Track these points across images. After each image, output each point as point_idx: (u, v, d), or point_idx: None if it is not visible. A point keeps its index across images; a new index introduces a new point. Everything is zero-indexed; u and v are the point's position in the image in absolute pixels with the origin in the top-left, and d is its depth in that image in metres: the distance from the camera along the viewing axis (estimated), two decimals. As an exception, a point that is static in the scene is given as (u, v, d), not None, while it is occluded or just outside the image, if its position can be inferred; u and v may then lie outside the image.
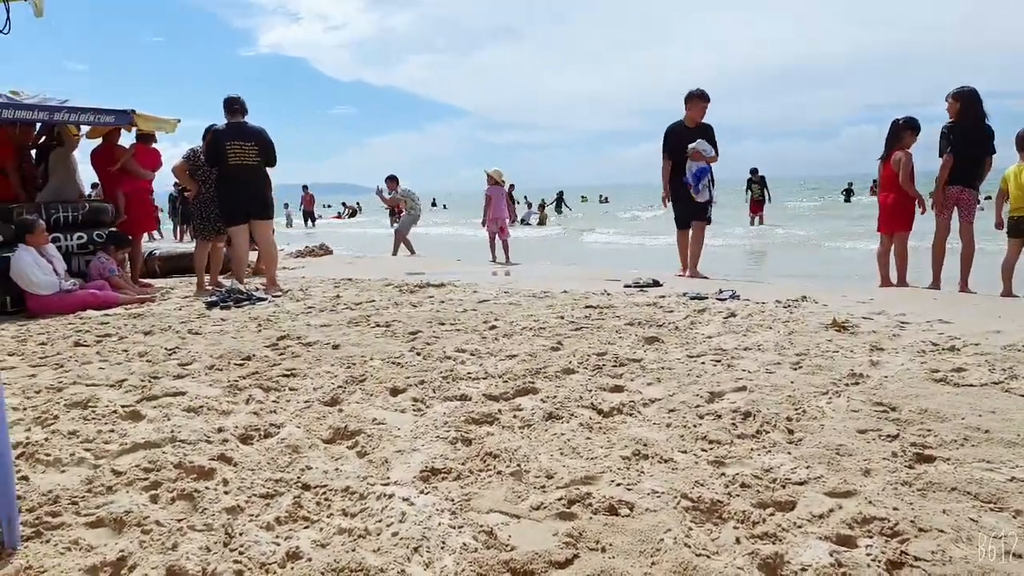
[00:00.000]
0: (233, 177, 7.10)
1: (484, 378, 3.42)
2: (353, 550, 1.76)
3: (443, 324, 4.88)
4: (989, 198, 6.87)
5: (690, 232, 8.13)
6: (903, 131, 7.07)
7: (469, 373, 3.50)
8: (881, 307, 5.33)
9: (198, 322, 5.19)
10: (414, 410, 2.96)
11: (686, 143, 7.97)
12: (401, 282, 7.53)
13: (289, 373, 3.57)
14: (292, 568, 1.70)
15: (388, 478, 2.25)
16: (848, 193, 33.44)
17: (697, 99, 7.97)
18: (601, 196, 51.12)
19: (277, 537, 1.85)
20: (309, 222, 31.44)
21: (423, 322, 4.96)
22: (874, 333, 4.30)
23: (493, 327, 4.71)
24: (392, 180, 13.32)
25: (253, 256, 8.42)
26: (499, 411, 2.90)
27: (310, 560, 1.72)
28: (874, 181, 32.23)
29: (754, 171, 19.81)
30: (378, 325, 4.88)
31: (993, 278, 6.69)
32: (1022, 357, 3.56)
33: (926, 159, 7.05)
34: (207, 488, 2.12)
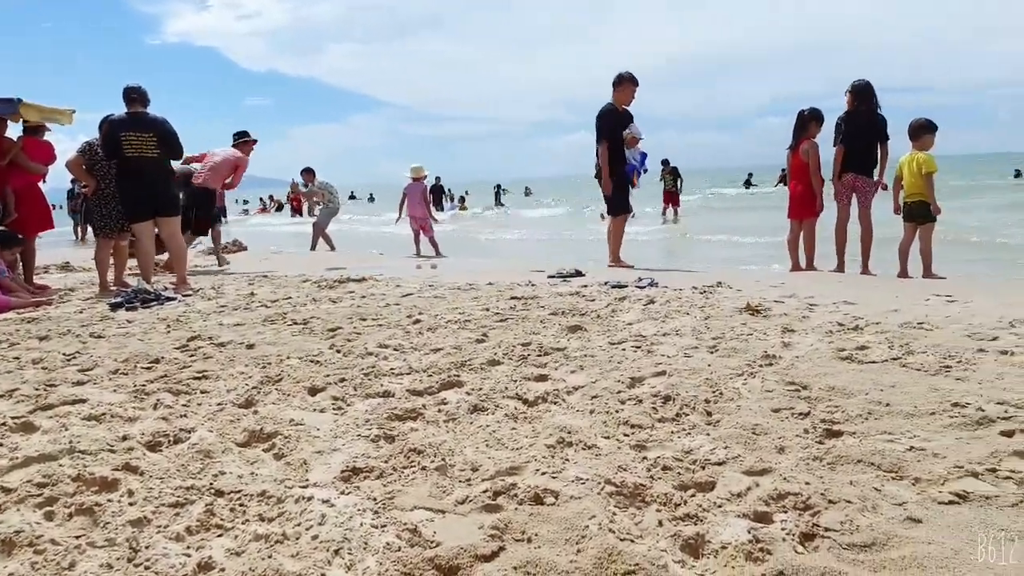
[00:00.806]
0: (131, 170, 6.73)
1: (408, 373, 3.37)
2: (270, 556, 1.70)
3: (364, 320, 4.78)
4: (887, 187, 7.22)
5: (611, 221, 8.23)
6: (809, 122, 7.37)
7: (392, 369, 3.45)
8: (791, 291, 5.53)
9: (101, 325, 4.93)
10: (334, 409, 2.89)
11: (620, 128, 7.92)
12: (320, 278, 7.35)
13: (200, 375, 3.43)
14: (205, 579, 1.63)
15: (307, 480, 2.18)
16: (748, 183, 34.63)
17: (627, 82, 7.89)
18: (526, 188, 51.39)
19: (188, 548, 1.76)
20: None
21: (343, 318, 4.85)
22: (785, 316, 4.45)
23: (417, 321, 4.66)
24: (308, 173, 13.01)
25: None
26: (423, 406, 2.86)
27: (223, 570, 1.65)
28: (783, 170, 33.54)
29: (665, 162, 20.23)
30: (295, 323, 4.75)
31: (893, 259, 7.05)
32: (917, 334, 3.76)
33: (828, 150, 7.37)
34: (109, 501, 2.00)
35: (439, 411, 2.79)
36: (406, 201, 11.20)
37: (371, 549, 1.74)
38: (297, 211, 30.33)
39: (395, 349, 3.87)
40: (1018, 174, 33.42)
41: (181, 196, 8.80)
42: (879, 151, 7.02)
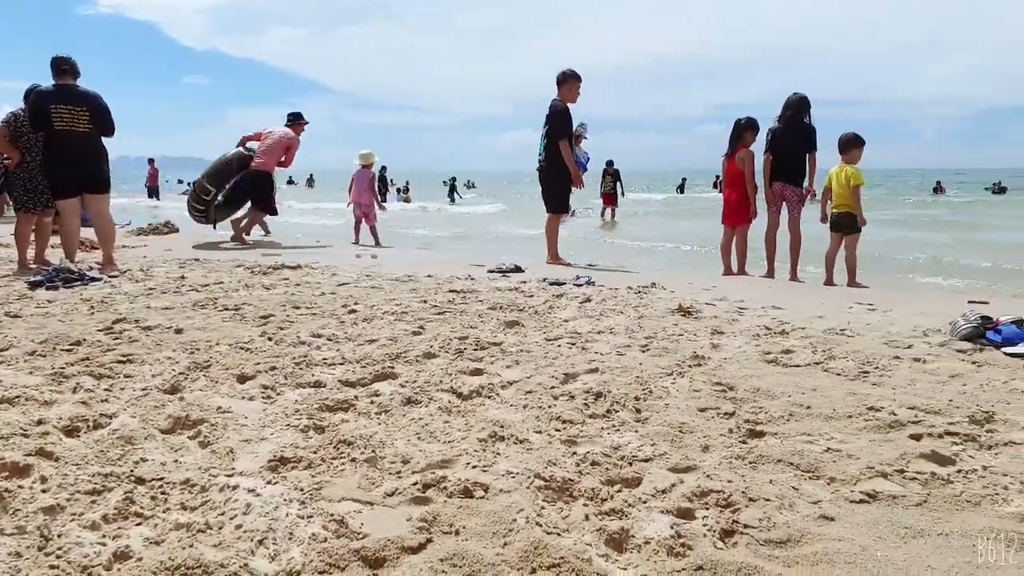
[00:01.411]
0: (60, 144, 6.43)
1: (341, 364, 3.33)
2: (191, 546, 1.66)
3: (298, 308, 4.71)
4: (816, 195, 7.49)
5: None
6: (745, 131, 7.57)
7: (325, 359, 3.40)
8: (723, 294, 5.68)
9: (18, 304, 4.71)
10: (263, 398, 2.84)
11: (571, 125, 7.94)
12: (253, 263, 7.19)
13: (125, 359, 3.31)
14: (119, 569, 1.58)
15: (233, 469, 2.14)
16: (681, 187, 35.28)
17: (572, 79, 7.88)
18: (468, 181, 51.17)
19: (103, 537, 1.71)
20: (154, 198, 29.33)
21: (276, 305, 4.76)
22: (715, 318, 4.57)
23: (352, 311, 4.61)
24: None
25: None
26: (355, 397, 2.83)
27: (140, 559, 1.60)
28: (717, 176, 34.30)
29: (609, 163, 20.41)
30: (226, 308, 4.63)
31: (821, 268, 7.32)
32: (839, 340, 3.92)
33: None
34: (20, 487, 1.92)
35: (371, 403, 2.77)
36: (353, 187, 11.04)
37: (296, 539, 1.72)
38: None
39: (328, 339, 3.82)
40: (935, 190, 35.06)
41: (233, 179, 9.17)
42: (808, 162, 7.27)
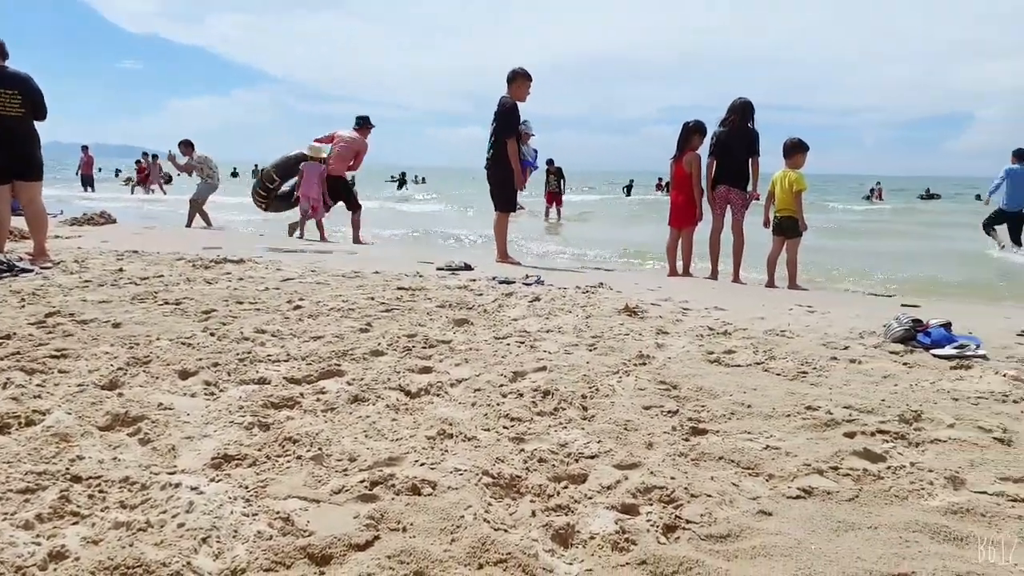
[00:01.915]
0: None
1: (286, 360, 3.28)
2: (131, 545, 1.62)
3: (241, 303, 4.62)
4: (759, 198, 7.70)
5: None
6: (693, 134, 7.72)
7: (269, 355, 3.35)
8: (668, 294, 5.79)
9: (-56, 296, 4.51)
10: (206, 394, 2.78)
11: (518, 123, 7.95)
12: (195, 256, 7.02)
13: (59, 354, 3.20)
14: (55, 569, 1.53)
15: (175, 466, 2.10)
16: (628, 189, 35.56)
17: (522, 78, 7.90)
18: (417, 177, 50.80)
19: (38, 536, 1.66)
20: (88, 188, 28.27)
21: (219, 300, 4.66)
22: (660, 318, 4.66)
23: (298, 307, 4.54)
24: (187, 145, 12.37)
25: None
26: (301, 394, 2.80)
27: (78, 559, 1.56)
28: (659, 178, 34.75)
29: (550, 162, 20.43)
30: (167, 303, 4.52)
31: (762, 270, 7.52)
32: (779, 341, 4.04)
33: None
34: (-50, 485, 1.85)
35: (317, 400, 2.75)
36: (302, 181, 10.84)
37: (241, 537, 1.70)
38: (143, 184, 28.02)
39: (273, 335, 3.76)
40: (870, 196, 36.29)
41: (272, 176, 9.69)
42: (751, 166, 7.45)
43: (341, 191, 9.72)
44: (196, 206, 12.23)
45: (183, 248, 7.85)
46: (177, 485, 1.94)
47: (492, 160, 7.99)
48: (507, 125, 7.82)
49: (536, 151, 8.16)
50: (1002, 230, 11.97)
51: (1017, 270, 10.30)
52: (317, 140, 9.99)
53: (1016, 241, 11.64)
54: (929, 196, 36.45)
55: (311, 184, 10.70)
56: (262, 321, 4.09)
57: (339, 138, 9.75)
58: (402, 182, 34.88)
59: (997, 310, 6.19)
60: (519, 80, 7.91)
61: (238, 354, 3.32)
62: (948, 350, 3.76)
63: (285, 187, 10.63)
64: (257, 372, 3.07)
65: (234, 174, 46.45)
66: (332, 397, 2.78)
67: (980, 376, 3.31)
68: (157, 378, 2.94)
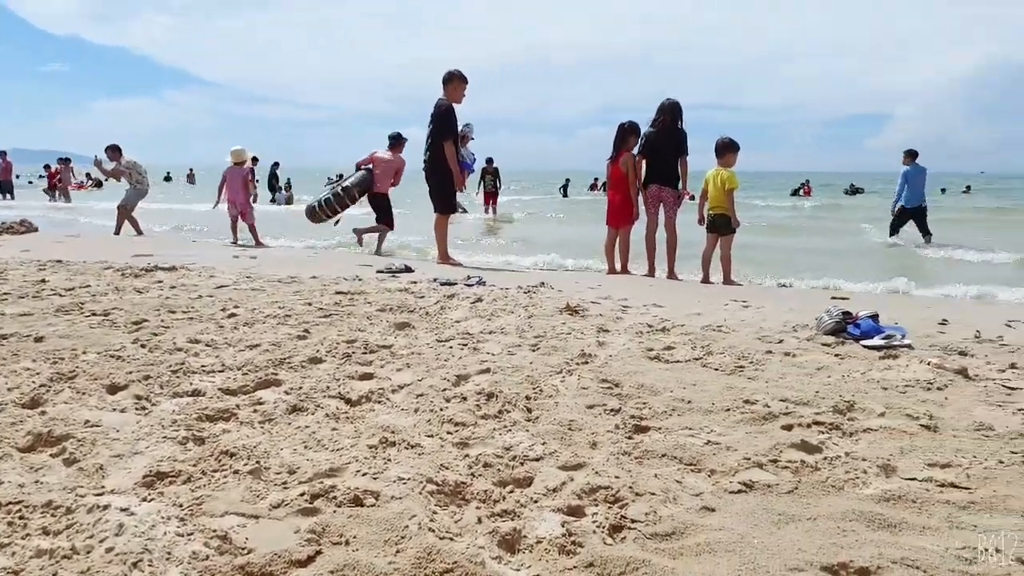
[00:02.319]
0: None
1: (221, 371, 3.18)
2: (54, 574, 1.54)
3: (174, 312, 4.46)
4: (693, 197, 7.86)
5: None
6: (628, 134, 7.82)
7: (203, 366, 3.24)
8: (607, 292, 5.85)
9: None
10: (137, 409, 2.67)
11: (456, 125, 7.96)
12: (124, 265, 6.76)
13: (-25, 372, 3.03)
14: (-27, 604, 1.45)
15: (103, 487, 2.00)
16: (565, 189, 35.72)
17: (458, 80, 7.91)
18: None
19: (-47, 569, 1.56)
20: (6, 195, 26.89)
21: (150, 310, 4.49)
22: (601, 316, 4.70)
23: (232, 315, 4.41)
24: (114, 150, 11.90)
25: None
26: (237, 406, 2.72)
27: (-2, 592, 1.48)
28: (595, 178, 35.00)
29: (489, 161, 20.36)
30: (94, 314, 4.33)
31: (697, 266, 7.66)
32: (716, 336, 4.12)
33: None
34: None
35: (254, 411, 2.67)
36: (225, 186, 10.61)
37: (175, 559, 1.63)
38: (52, 190, 26.65)
39: (207, 345, 3.64)
40: (795, 192, 37.34)
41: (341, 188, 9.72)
42: (680, 165, 7.60)
43: (384, 208, 10.18)
44: (125, 212, 11.77)
45: (111, 257, 7.55)
46: (105, 507, 1.86)
47: (429, 162, 7.97)
48: (444, 127, 7.81)
49: (475, 155, 8.18)
50: (905, 230, 12.65)
51: (924, 262, 10.77)
52: (359, 163, 10.18)
53: (925, 233, 12.30)
54: (854, 191, 37.79)
55: (236, 189, 10.51)
56: (196, 330, 3.96)
57: (379, 159, 10.09)
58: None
59: (909, 299, 6.45)
60: (455, 82, 7.91)
61: (171, 366, 3.21)
62: (876, 340, 3.90)
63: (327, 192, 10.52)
64: (191, 384, 2.97)
65: (167, 178, 44.94)
66: (270, 408, 2.70)
67: (907, 365, 3.44)
68: (83, 394, 2.81)
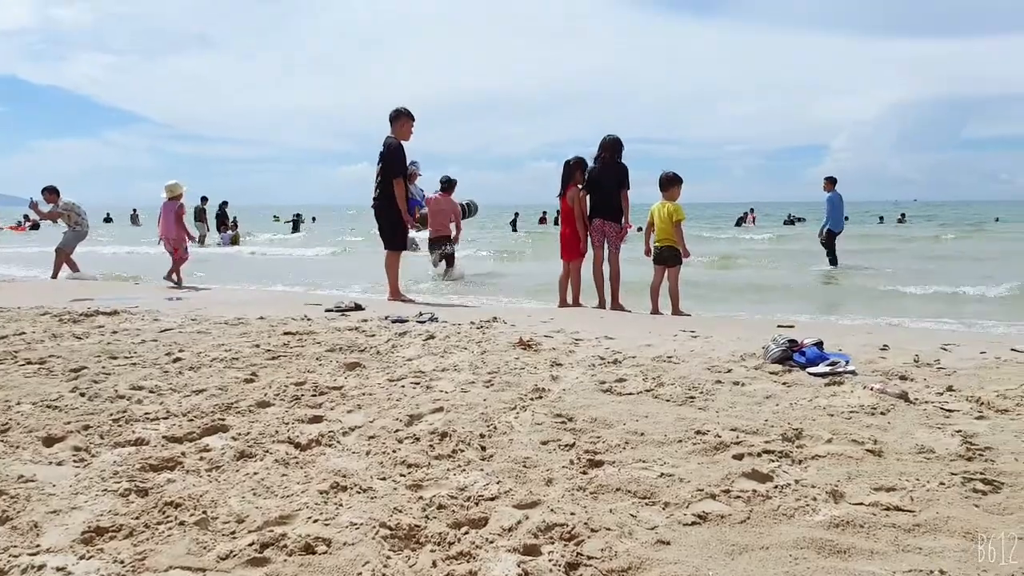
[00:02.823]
0: None
1: (165, 418, 3.09)
2: (-14, 642, 1.46)
3: (115, 358, 4.32)
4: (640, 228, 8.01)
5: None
6: (575, 170, 7.96)
7: (147, 413, 3.14)
8: (560, 326, 5.88)
9: None
10: (75, 461, 2.57)
11: (405, 162, 7.99)
12: (63, 310, 6.53)
13: (-101, 428, 2.88)
14: None
15: (38, 546, 1.91)
16: (514, 223, 35.93)
17: (405, 117, 7.97)
18: (309, 217, 49.52)
19: None
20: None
21: (90, 356, 4.35)
22: (554, 350, 4.72)
23: (177, 360, 4.30)
24: (51, 191, 11.58)
25: None
26: (183, 454, 2.64)
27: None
28: (544, 212, 35.25)
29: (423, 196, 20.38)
30: (29, 362, 4.16)
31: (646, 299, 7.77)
32: (667, 367, 4.17)
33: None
34: None
35: (201, 459, 2.59)
36: (160, 222, 10.36)
37: (116, 621, 1.56)
38: None
39: (151, 391, 3.54)
40: (740, 222, 38.25)
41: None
42: (622, 199, 7.75)
43: (446, 248, 11.58)
44: (62, 255, 11.42)
45: (48, 301, 7.30)
46: (40, 567, 1.77)
47: (380, 199, 7.98)
48: (395, 165, 7.86)
49: (424, 191, 8.21)
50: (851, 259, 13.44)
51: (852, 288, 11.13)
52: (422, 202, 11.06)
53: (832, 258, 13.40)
54: (791, 221, 38.75)
55: (169, 224, 10.21)
56: (139, 376, 3.84)
57: (437, 203, 11.15)
58: (296, 224, 32.89)
59: (851, 326, 6.65)
60: (402, 119, 7.98)
61: (112, 414, 3.10)
62: (822, 368, 4.00)
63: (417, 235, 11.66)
64: (134, 432, 2.87)
65: (107, 219, 43.78)
66: (217, 454, 2.63)
67: (851, 391, 3.54)
68: (17, 447, 2.69)
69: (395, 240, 8.16)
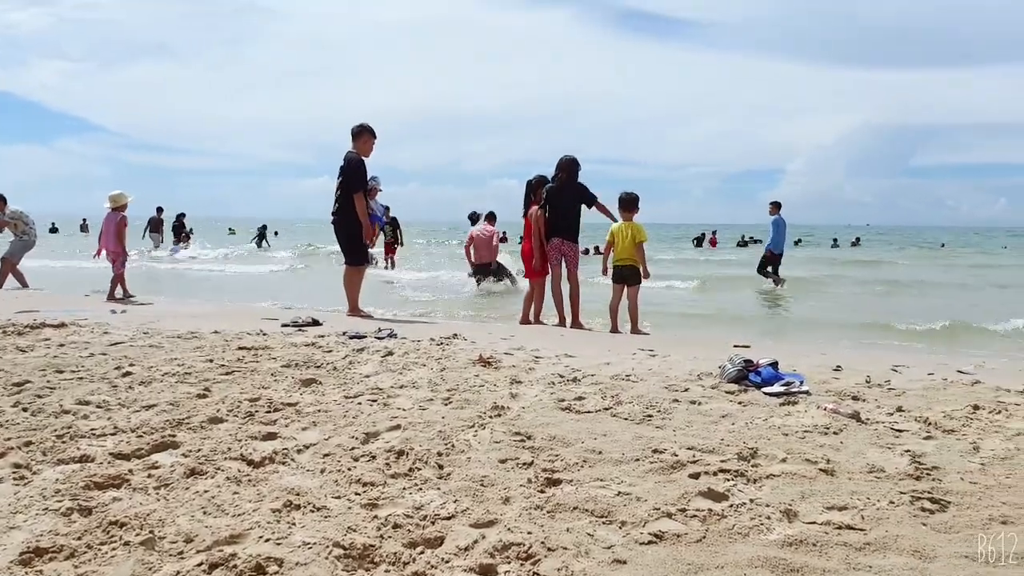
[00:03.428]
0: None
1: (113, 434, 3.00)
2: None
3: (62, 372, 4.19)
4: (598, 249, 8.08)
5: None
6: (536, 188, 8.02)
7: (93, 429, 3.05)
8: (520, 343, 5.88)
9: None
10: (15, 479, 2.48)
11: (366, 177, 7.95)
12: (6, 322, 6.31)
13: None
14: None
15: (-28, 568, 1.83)
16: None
17: (367, 133, 7.95)
18: (264, 228, 48.78)
19: None
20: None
21: (34, 370, 4.20)
22: (514, 367, 4.71)
23: (127, 374, 4.18)
24: (-2, 199, 11.22)
25: None
26: (130, 471, 2.56)
27: None
28: (503, 232, 35.49)
29: (386, 210, 20.02)
30: (-31, 376, 4.01)
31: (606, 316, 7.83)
32: (625, 385, 4.19)
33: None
34: None
35: (149, 476, 2.52)
36: (102, 233, 9.97)
37: (53, 646, 1.50)
38: None
39: (98, 406, 3.43)
40: (698, 243, 38.71)
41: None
42: (598, 208, 7.84)
43: (501, 272, 12.64)
44: (8, 265, 11.06)
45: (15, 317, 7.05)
46: (-26, 590, 1.70)
47: (340, 214, 7.92)
48: (356, 180, 7.82)
49: (384, 207, 8.18)
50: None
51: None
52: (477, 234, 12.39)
53: (777, 278, 14.08)
54: (744, 243, 39.24)
55: (109, 235, 9.82)
56: (86, 391, 3.73)
57: (480, 232, 12.37)
58: (262, 236, 31.67)
59: (805, 346, 6.78)
60: (364, 136, 7.97)
61: (56, 430, 3.00)
62: (776, 388, 4.06)
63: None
64: (79, 449, 2.78)
65: (53, 229, 42.48)
66: (166, 472, 2.56)
67: (805, 411, 3.60)
68: (-47, 464, 2.58)
69: (355, 255, 8.09)
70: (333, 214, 7.99)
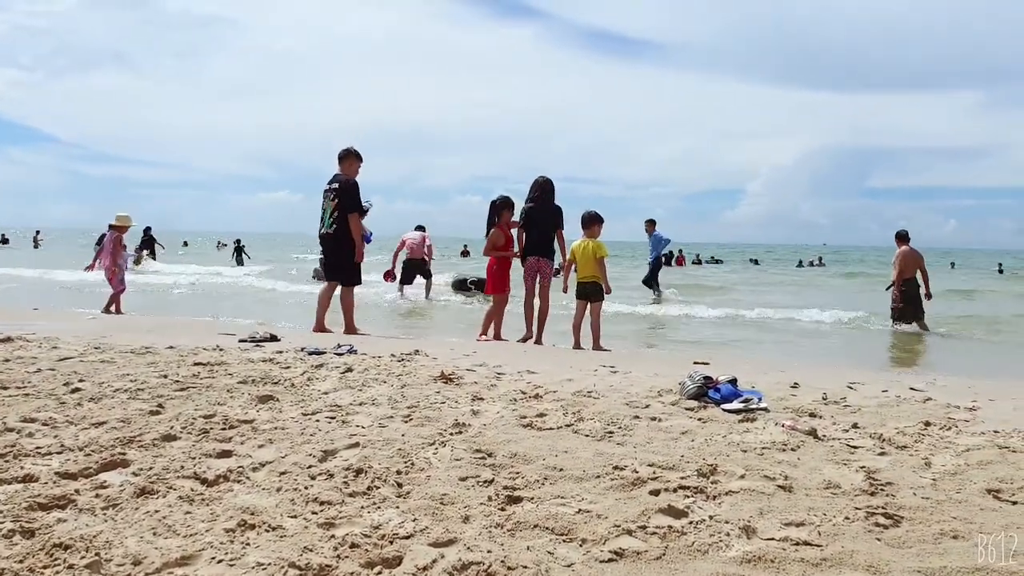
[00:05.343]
0: None
1: (59, 452, 2.90)
2: None
3: (6, 388, 4.04)
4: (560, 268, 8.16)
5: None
6: (501, 209, 8.11)
7: (39, 448, 2.94)
8: (482, 359, 5.86)
9: None
10: (-47, 499, 2.37)
11: (361, 199, 8.04)
12: (-51, 336, 6.09)
13: None
14: None
15: (-97, 594, 1.74)
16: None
17: (354, 157, 8.06)
18: (219, 242, 48.12)
19: None
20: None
21: (-23, 386, 4.05)
22: (476, 384, 4.69)
23: (76, 390, 4.05)
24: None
25: None
26: (76, 491, 2.47)
27: None
28: (464, 245, 35.49)
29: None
30: (-93, 391, 3.85)
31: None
32: (587, 402, 4.20)
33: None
34: None
35: (96, 496, 2.44)
36: (105, 252, 10.16)
37: (-11, 676, 1.43)
38: None
39: (44, 424, 3.32)
40: (667, 262, 39.06)
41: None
42: (556, 237, 7.97)
43: (423, 271, 14.30)
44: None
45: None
46: (-95, 618, 1.61)
47: (336, 234, 7.93)
48: (353, 201, 7.94)
49: (371, 229, 8.30)
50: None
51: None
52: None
53: (656, 288, 15.96)
54: (698, 262, 39.59)
55: (107, 253, 10.04)
56: (32, 408, 3.60)
57: (412, 236, 13.70)
58: (239, 251, 30.17)
59: (763, 363, 6.88)
60: (350, 159, 8.09)
61: (-3, 449, 2.88)
62: (735, 404, 4.11)
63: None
64: (22, 468, 2.68)
65: (3, 240, 41.31)
66: (115, 491, 2.48)
67: (763, 427, 3.64)
68: None
69: (351, 275, 8.10)
70: (327, 232, 7.98)
